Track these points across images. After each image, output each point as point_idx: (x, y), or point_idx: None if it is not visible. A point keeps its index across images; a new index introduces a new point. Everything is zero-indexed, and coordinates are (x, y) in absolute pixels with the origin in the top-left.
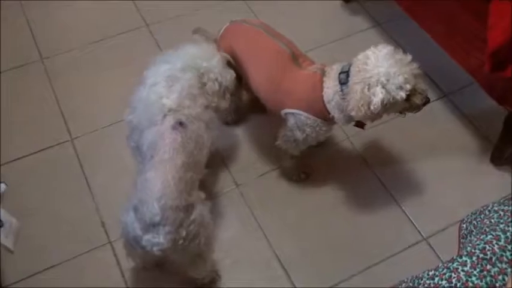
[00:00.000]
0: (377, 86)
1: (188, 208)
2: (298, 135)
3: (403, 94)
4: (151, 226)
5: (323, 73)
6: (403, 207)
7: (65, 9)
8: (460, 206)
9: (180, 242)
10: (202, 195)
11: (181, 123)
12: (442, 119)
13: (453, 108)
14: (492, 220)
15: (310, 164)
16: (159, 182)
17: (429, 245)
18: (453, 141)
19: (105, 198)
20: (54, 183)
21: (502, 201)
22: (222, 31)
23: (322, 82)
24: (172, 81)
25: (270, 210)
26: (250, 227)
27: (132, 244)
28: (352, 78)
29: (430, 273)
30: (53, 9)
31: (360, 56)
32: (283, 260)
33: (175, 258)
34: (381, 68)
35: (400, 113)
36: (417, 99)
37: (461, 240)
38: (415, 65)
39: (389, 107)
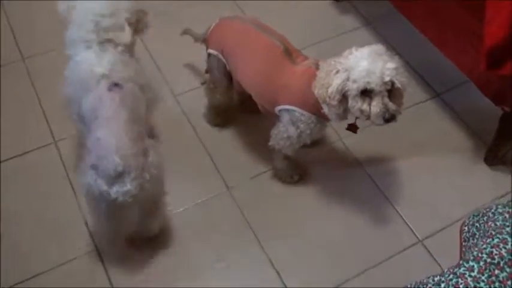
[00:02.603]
0: (343, 72)
1: (145, 152)
2: (292, 131)
3: (354, 86)
4: (116, 177)
5: (317, 67)
6: (398, 209)
7: (46, 8)
8: (455, 206)
9: (146, 185)
10: (151, 141)
11: (116, 84)
12: (435, 118)
13: (446, 108)
14: (497, 223)
15: (303, 166)
16: (111, 137)
17: (425, 247)
18: (446, 141)
19: None
20: (38, 187)
21: (506, 203)
22: (211, 28)
23: (316, 76)
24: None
25: (262, 212)
26: (242, 230)
27: (100, 202)
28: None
29: (436, 278)
30: (34, 9)
31: (353, 49)
32: (276, 263)
33: (138, 210)
34: (356, 59)
35: (362, 115)
36: (375, 107)
37: (463, 243)
38: (395, 72)
39: (345, 99)
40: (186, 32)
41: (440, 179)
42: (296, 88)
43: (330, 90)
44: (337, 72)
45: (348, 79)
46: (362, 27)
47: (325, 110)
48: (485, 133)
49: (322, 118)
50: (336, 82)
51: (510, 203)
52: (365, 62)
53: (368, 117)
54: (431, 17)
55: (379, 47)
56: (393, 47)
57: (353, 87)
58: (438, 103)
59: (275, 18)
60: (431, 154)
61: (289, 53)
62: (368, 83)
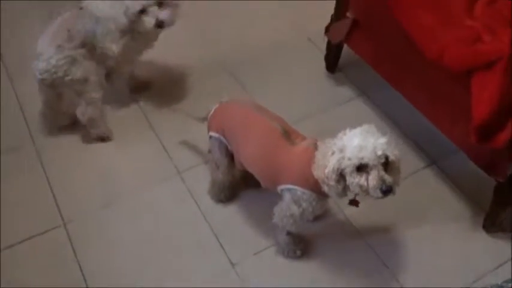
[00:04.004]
0: (338, 153)
1: (60, 49)
2: (295, 209)
3: (350, 163)
4: (38, 55)
5: (316, 147)
6: (400, 280)
7: None
8: (456, 275)
9: (53, 70)
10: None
11: None
12: (433, 186)
13: (442, 175)
14: None
15: (305, 240)
16: (44, 36)
17: None
18: (445, 209)
19: (99, 285)
20: (47, 271)
21: (500, 284)
22: (212, 111)
23: (315, 157)
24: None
25: None
26: None
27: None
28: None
29: None
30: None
31: (347, 130)
32: None
33: (62, 90)
34: (348, 139)
35: (361, 190)
36: (372, 181)
37: None
38: (386, 146)
39: (342, 178)
40: (175, 110)
41: (440, 247)
42: (296, 168)
43: (326, 171)
44: (333, 153)
45: (343, 158)
46: (357, 98)
47: (325, 189)
48: (483, 199)
49: (323, 196)
50: (332, 163)
51: (504, 284)
52: (357, 140)
53: (366, 191)
54: (420, 90)
55: (370, 126)
56: (388, 115)
57: (349, 164)
58: (435, 170)
59: (272, 91)
60: (430, 223)
61: (288, 135)
62: (362, 158)
